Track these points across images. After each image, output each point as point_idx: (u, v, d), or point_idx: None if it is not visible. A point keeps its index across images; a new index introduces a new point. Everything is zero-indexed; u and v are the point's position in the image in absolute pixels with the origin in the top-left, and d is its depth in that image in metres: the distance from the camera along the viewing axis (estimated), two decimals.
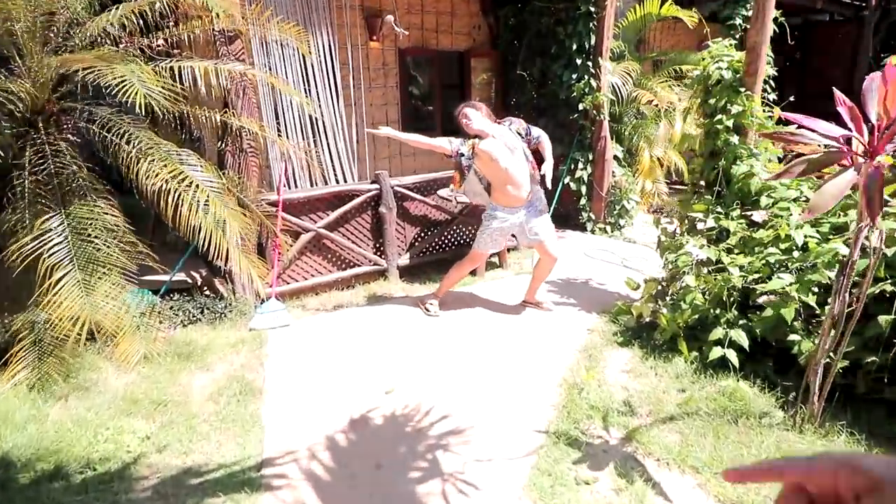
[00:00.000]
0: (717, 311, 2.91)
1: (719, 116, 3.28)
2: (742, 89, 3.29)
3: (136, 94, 2.51)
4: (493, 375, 3.05)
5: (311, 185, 4.65)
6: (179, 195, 3.02)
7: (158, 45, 3.47)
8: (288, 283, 4.18)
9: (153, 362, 3.10)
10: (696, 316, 2.99)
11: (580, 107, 5.92)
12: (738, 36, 7.40)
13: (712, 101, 3.41)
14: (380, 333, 3.62)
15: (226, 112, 3.59)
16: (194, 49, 3.81)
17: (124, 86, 2.56)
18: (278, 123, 4.58)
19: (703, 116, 3.55)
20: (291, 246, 4.01)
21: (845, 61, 9.83)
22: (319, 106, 4.78)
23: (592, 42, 5.83)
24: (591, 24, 5.73)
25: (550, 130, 6.35)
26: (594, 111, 5.95)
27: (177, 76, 3.20)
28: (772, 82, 7.86)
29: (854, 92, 1.99)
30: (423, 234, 4.82)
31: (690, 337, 3.05)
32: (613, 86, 6.13)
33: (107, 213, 2.96)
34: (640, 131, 6.63)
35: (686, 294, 3.07)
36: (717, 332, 2.81)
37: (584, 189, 6.14)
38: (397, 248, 4.63)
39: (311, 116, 4.78)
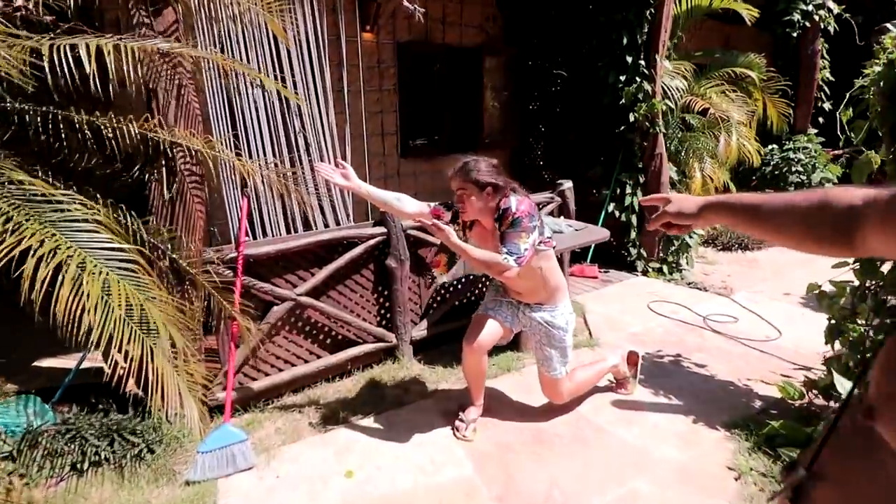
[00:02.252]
0: None
1: None
2: None
3: None
4: None
5: (289, 231, 3.23)
6: (51, 273, 1.64)
7: (29, 13, 2.07)
8: (254, 380, 2.77)
9: None
10: None
11: (630, 117, 4.68)
12: (794, 35, 6.31)
13: None
14: (395, 481, 2.26)
15: (147, 122, 2.19)
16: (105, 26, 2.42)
17: None
18: (237, 138, 3.17)
19: (893, 134, 2.32)
20: (257, 327, 2.61)
21: None
22: (300, 115, 3.37)
23: (644, 35, 4.61)
24: (646, 13, 4.50)
25: (587, 146, 5.12)
26: (647, 122, 4.72)
27: (57, 61, 1.81)
28: None
29: None
30: (445, 292, 3.48)
31: None
32: (667, 90, 4.92)
33: None
34: (689, 145, 5.43)
35: None
36: None
37: (633, 219, 4.89)
38: (411, 314, 3.27)
39: (290, 125, 3.38)
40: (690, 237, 4.95)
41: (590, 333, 3.65)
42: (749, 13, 5.20)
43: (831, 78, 6.69)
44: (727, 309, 4.10)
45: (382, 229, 3.08)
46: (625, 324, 3.82)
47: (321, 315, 2.96)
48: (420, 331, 3.31)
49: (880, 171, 2.43)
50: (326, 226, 3.24)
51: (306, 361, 2.95)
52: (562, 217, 3.79)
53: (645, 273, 4.91)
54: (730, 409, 2.72)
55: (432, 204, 2.48)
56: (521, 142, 6.20)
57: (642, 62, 4.63)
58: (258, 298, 2.72)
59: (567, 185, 3.95)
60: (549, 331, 2.44)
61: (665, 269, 4.92)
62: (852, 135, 2.45)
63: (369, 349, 3.13)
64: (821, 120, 6.83)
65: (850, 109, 2.77)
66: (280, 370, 2.87)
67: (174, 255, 2.31)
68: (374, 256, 3.11)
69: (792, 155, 6.58)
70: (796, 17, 6.07)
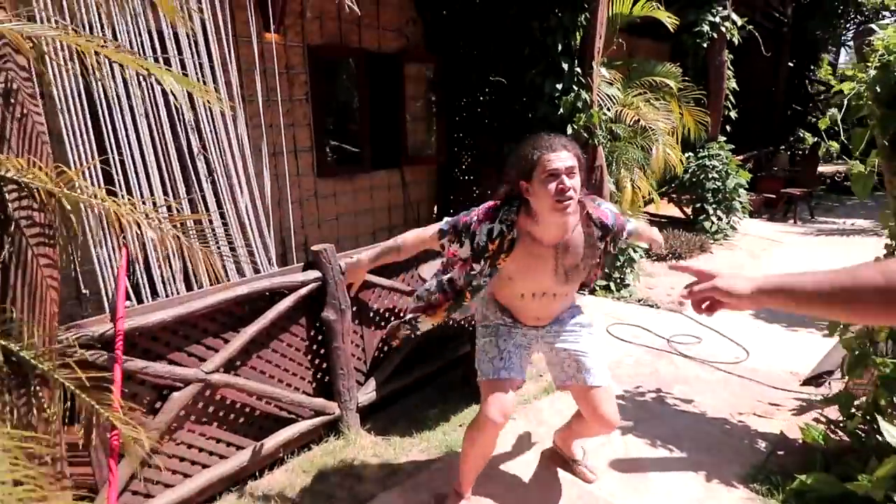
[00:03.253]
0: None
1: None
2: None
3: None
4: None
5: (191, 288, 2.42)
6: None
7: None
8: (149, 497, 2.00)
9: None
10: None
11: (568, 129, 4.39)
12: (704, 45, 6.47)
13: None
14: None
15: None
16: None
17: None
18: (108, 164, 2.35)
19: (892, 143, 2.13)
20: (147, 430, 1.87)
21: None
22: (197, 129, 2.60)
23: (579, 41, 4.35)
24: (580, 17, 4.23)
25: None
26: (586, 133, 4.45)
27: None
28: None
29: None
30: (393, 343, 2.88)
31: None
32: (602, 100, 4.71)
33: None
34: (618, 156, 5.29)
35: None
36: None
37: None
38: (356, 374, 2.64)
39: (184, 141, 2.61)
40: (635, 251, 4.76)
41: None
42: (671, 21, 5.16)
43: (736, 88, 6.98)
44: (686, 327, 3.89)
45: (316, 273, 2.44)
46: None
47: (241, 393, 2.25)
48: (367, 393, 2.69)
49: (880, 182, 2.24)
50: (242, 274, 2.52)
51: (223, 457, 2.22)
52: None
53: (593, 292, 4.63)
54: (737, 455, 2.40)
55: (440, 226, 1.86)
56: (448, 156, 5.75)
57: (578, 69, 4.36)
58: (152, 384, 1.97)
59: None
60: (586, 334, 1.97)
61: (612, 286, 4.68)
62: (850, 144, 2.23)
63: (306, 427, 2.45)
64: (728, 128, 7.10)
65: (827, 117, 2.60)
66: (187, 475, 2.11)
67: (12, 346, 1.53)
68: (306, 308, 2.45)
69: (707, 162, 6.74)
70: (706, 28, 6.23)
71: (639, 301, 4.53)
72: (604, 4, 4.26)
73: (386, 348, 2.85)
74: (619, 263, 4.75)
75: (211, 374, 2.08)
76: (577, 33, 4.26)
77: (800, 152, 10.66)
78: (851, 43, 12.26)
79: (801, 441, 2.42)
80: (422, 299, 2.07)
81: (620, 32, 5.45)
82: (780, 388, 3.02)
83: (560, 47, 4.27)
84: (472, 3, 4.94)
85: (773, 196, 8.45)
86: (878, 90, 2.10)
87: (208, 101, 2.34)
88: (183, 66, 2.57)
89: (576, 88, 4.34)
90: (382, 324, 2.81)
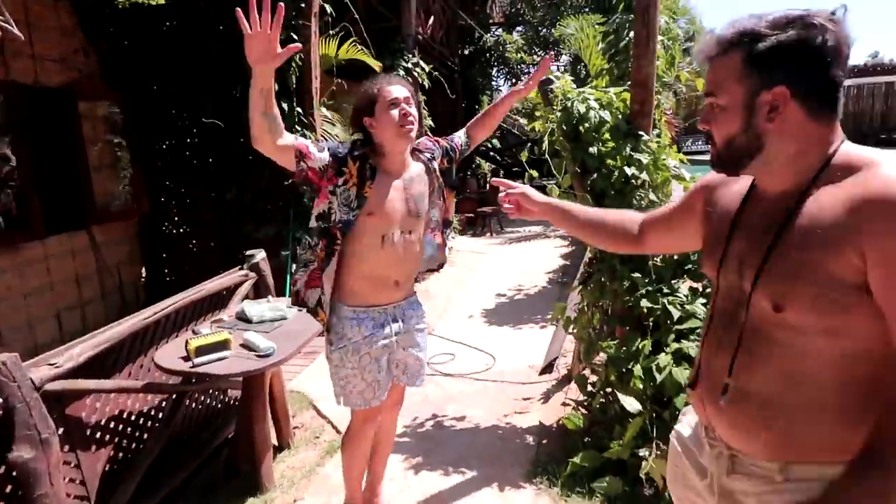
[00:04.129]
0: None
1: (630, 171, 2.45)
2: (642, 134, 2.55)
3: None
4: None
5: None
6: None
7: None
8: None
9: None
10: None
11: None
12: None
13: (595, 149, 2.55)
14: None
15: None
16: None
17: None
18: None
19: (580, 168, 2.65)
20: None
21: None
22: None
23: (295, 81, 4.27)
24: (294, 59, 4.15)
25: (251, 204, 4.44)
26: None
27: None
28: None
29: None
30: (126, 457, 2.23)
31: None
32: (328, 139, 4.70)
33: None
34: None
35: None
36: None
37: None
38: None
39: None
40: None
41: (335, 429, 3.02)
42: (376, 64, 5.51)
43: (432, 125, 7.90)
44: (439, 347, 4.14)
45: None
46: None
47: None
48: None
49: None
50: None
51: None
52: (269, 298, 3.02)
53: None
54: (516, 457, 2.62)
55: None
56: (153, 207, 4.92)
57: (299, 109, 4.27)
58: None
59: (260, 255, 3.19)
60: (425, 338, 2.07)
61: None
62: (556, 171, 2.70)
63: None
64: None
65: (525, 151, 3.11)
66: None
67: None
68: None
69: None
70: (401, 72, 6.88)
71: None
72: (316, 45, 4.28)
73: (116, 467, 2.19)
74: None
75: None
76: (293, 74, 4.16)
77: (481, 177, 12.80)
78: (501, 87, 15.35)
79: (557, 425, 2.80)
80: (307, 261, 1.87)
81: (326, 75, 5.59)
82: (526, 383, 3.47)
83: (277, 87, 4.08)
84: (159, 34, 4.36)
85: (472, 215, 9.89)
86: (565, 128, 2.61)
87: None
88: None
89: (299, 129, 4.23)
90: (108, 438, 2.16)
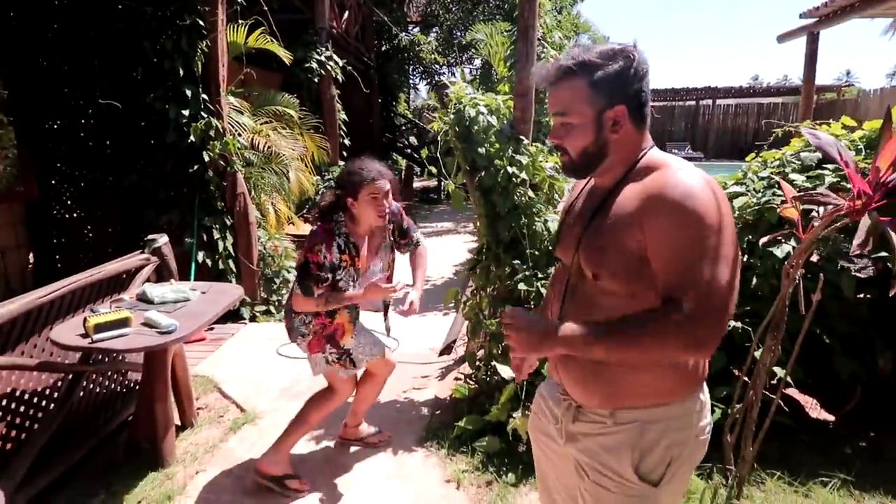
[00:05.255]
0: None
1: (512, 170, 2.77)
2: (523, 138, 2.89)
3: None
4: None
5: None
6: None
7: None
8: None
9: None
10: None
11: (205, 156, 4.24)
12: (316, 80, 7.16)
13: (483, 150, 2.86)
14: None
15: None
16: None
17: None
18: None
19: (470, 166, 2.95)
20: None
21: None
22: None
23: (202, 67, 4.24)
24: (201, 43, 4.13)
25: (155, 191, 4.37)
26: (223, 161, 4.39)
27: None
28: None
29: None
30: (19, 436, 2.23)
31: None
32: (234, 127, 4.70)
33: None
34: (254, 182, 5.43)
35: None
36: None
37: (231, 264, 4.48)
38: None
39: None
40: (289, 272, 4.95)
41: (240, 408, 3.13)
42: (286, 55, 5.55)
43: (346, 118, 8.00)
44: None
45: None
46: (270, 382, 3.46)
47: None
48: None
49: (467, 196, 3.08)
50: None
51: None
52: (172, 281, 3.06)
53: (254, 319, 4.60)
54: (411, 426, 2.88)
55: (304, 285, 2.21)
56: (43, 191, 4.66)
57: (205, 96, 4.25)
58: None
59: (162, 239, 3.20)
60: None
61: (272, 309, 4.75)
62: (445, 169, 2.99)
63: None
64: (345, 153, 8.09)
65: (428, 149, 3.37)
66: None
67: None
68: None
69: (332, 184, 7.53)
70: (314, 64, 6.93)
71: None
72: (223, 32, 4.28)
73: (9, 446, 2.19)
74: (274, 287, 4.86)
75: None
76: (199, 60, 4.14)
77: (396, 174, 13.04)
78: (418, 85, 15.59)
79: (449, 398, 3.10)
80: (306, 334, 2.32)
81: (235, 62, 5.55)
82: (425, 363, 3.75)
83: (182, 72, 4.06)
84: (49, 7, 4.15)
85: None
86: (457, 129, 2.89)
87: None
88: None
89: (205, 116, 4.22)
90: None
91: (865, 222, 1.64)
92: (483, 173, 2.90)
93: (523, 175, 2.83)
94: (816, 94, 12.15)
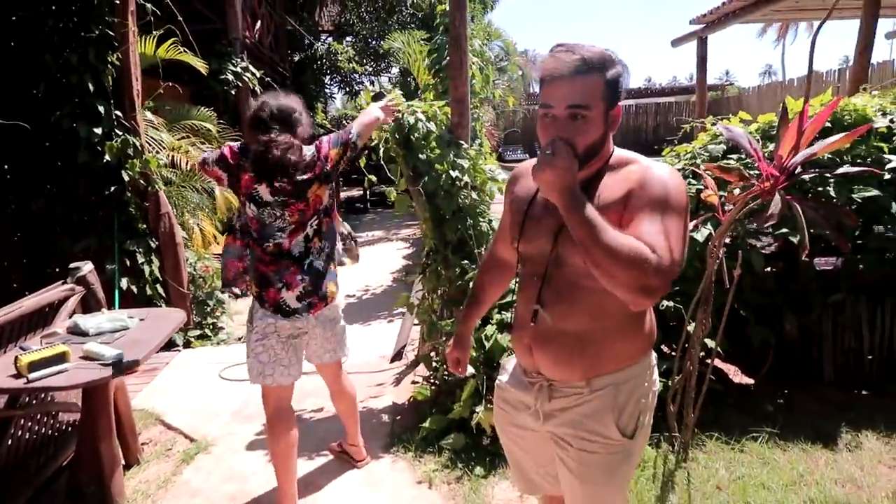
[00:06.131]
0: None
1: (455, 174, 2.85)
2: (462, 142, 2.97)
3: None
4: None
5: None
6: None
7: None
8: None
9: None
10: None
11: (124, 175, 3.99)
12: (233, 92, 6.91)
13: (424, 156, 2.92)
14: None
15: None
16: None
17: None
18: None
19: (412, 172, 3.00)
20: None
21: None
22: None
23: (113, 82, 3.99)
24: (111, 57, 3.89)
25: (66, 215, 4.06)
26: (144, 181, 4.14)
27: None
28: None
29: None
30: None
31: None
32: (152, 145, 4.44)
33: None
34: (175, 201, 5.17)
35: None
36: None
37: (159, 289, 4.22)
38: None
39: None
40: (223, 292, 4.74)
41: (188, 438, 2.97)
42: (203, 66, 5.33)
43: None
44: None
45: None
46: (217, 407, 3.31)
47: None
48: None
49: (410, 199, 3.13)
50: None
51: None
52: (104, 311, 2.85)
53: (188, 345, 4.36)
54: (374, 434, 2.87)
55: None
56: None
57: (119, 112, 3.99)
58: None
59: (87, 267, 2.98)
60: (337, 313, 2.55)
61: (208, 332, 4.53)
62: (392, 175, 3.03)
63: None
64: None
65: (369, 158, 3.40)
66: None
67: None
68: None
69: None
70: (230, 76, 6.67)
71: (239, 339, 4.57)
72: (135, 44, 4.04)
73: None
74: (208, 309, 4.64)
75: None
76: (110, 74, 3.89)
77: None
78: (335, 94, 15.40)
79: (409, 402, 3.13)
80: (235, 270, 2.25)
81: (150, 77, 5.25)
82: (378, 371, 3.74)
83: (92, 88, 3.79)
84: None
85: None
86: (398, 137, 2.94)
87: None
88: None
89: (120, 133, 3.96)
90: None
91: (777, 201, 1.88)
92: (426, 178, 2.97)
93: (465, 178, 2.93)
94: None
